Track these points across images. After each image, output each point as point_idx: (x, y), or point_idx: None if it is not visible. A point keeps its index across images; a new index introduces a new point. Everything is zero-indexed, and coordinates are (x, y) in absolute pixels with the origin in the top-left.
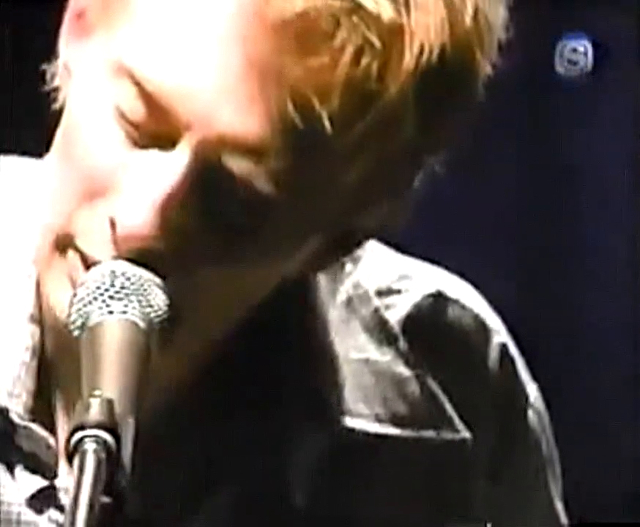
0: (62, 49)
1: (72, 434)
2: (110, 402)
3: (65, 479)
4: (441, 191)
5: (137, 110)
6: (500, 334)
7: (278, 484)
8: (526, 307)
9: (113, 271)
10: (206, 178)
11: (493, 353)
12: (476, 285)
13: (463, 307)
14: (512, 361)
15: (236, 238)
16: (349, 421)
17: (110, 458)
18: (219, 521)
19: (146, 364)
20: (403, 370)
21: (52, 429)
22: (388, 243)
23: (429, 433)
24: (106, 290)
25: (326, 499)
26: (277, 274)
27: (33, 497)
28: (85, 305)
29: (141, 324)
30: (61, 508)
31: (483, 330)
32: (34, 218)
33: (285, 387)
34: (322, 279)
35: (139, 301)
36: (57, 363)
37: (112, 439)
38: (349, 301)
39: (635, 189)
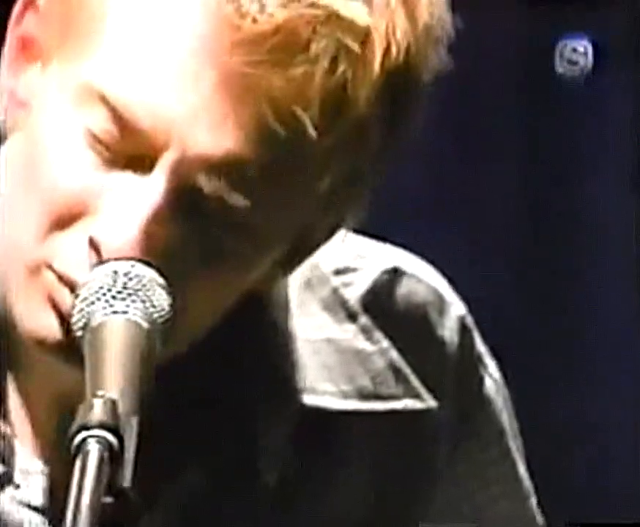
0: (5, 79)
1: (75, 434)
2: (113, 403)
3: (22, 460)
4: (437, 190)
5: (110, 132)
6: (458, 306)
7: (248, 468)
8: (525, 320)
9: (115, 271)
10: (184, 199)
11: (452, 324)
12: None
13: (420, 280)
14: (470, 332)
15: (215, 252)
16: (314, 400)
17: (113, 458)
18: (188, 506)
19: (149, 364)
20: (366, 345)
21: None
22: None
23: (395, 404)
24: (109, 290)
25: (296, 479)
26: (248, 282)
27: None
28: (88, 305)
29: (144, 324)
30: (19, 487)
31: (440, 302)
32: None
33: (247, 371)
34: None
35: (142, 301)
36: (9, 358)
37: (115, 439)
38: (308, 283)
39: (636, 189)
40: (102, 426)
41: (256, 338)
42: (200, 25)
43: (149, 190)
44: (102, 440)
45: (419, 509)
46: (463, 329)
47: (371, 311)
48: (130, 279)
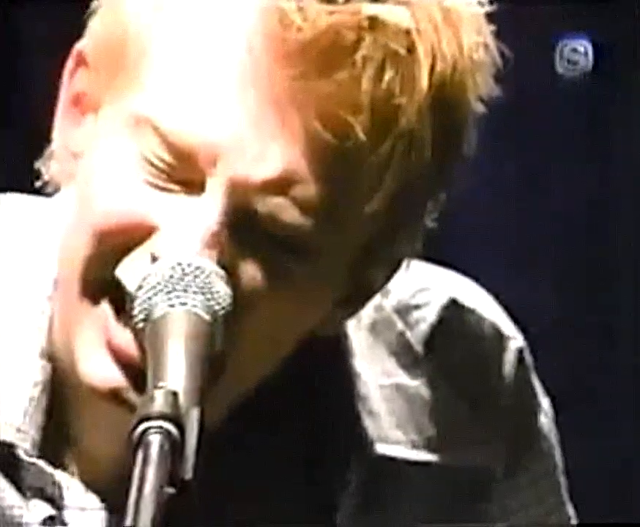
0: (60, 135)
1: (136, 425)
2: (174, 394)
3: (74, 501)
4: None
5: (162, 157)
6: (516, 339)
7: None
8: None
9: (178, 264)
10: (238, 219)
11: (510, 358)
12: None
13: (479, 316)
14: (527, 367)
15: (274, 275)
16: (386, 449)
17: (174, 449)
18: None
19: (210, 356)
20: (431, 394)
21: (59, 463)
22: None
23: (463, 457)
24: (171, 282)
25: None
26: (308, 320)
27: (44, 522)
28: (150, 297)
29: (205, 316)
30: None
31: (499, 337)
32: (48, 256)
33: (320, 422)
34: None
35: (203, 294)
36: (66, 397)
37: (176, 430)
38: (373, 326)
39: (635, 188)
40: (163, 417)
41: (328, 386)
42: (244, 44)
43: (205, 210)
44: (163, 432)
45: None
46: (521, 363)
47: (435, 354)
48: (192, 271)
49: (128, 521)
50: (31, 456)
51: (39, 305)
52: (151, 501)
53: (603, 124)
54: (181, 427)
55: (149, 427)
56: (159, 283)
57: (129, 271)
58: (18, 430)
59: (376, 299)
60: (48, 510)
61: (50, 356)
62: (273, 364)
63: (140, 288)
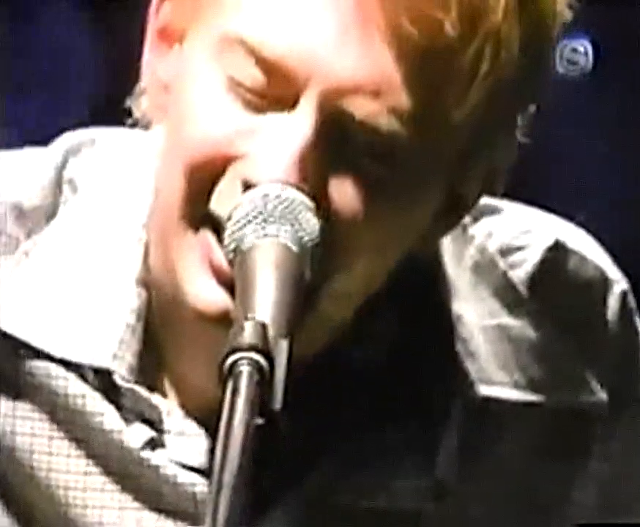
0: (149, 69)
1: (225, 357)
2: (263, 325)
3: (174, 426)
4: None
5: (252, 76)
6: (620, 282)
7: (422, 456)
8: None
9: (266, 195)
10: (333, 129)
11: (615, 303)
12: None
13: (583, 257)
14: (631, 310)
15: (372, 182)
16: (489, 390)
17: (263, 380)
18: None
19: (299, 287)
20: (535, 334)
21: (157, 390)
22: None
23: (567, 398)
24: (260, 213)
25: (468, 471)
26: (410, 234)
27: (147, 443)
28: (239, 229)
29: (294, 248)
30: (172, 449)
31: (604, 280)
32: (143, 185)
33: (422, 363)
34: (447, 247)
35: (292, 225)
36: (163, 324)
37: (265, 362)
38: (476, 266)
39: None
40: (252, 348)
41: (430, 326)
42: None
43: (297, 126)
44: (252, 363)
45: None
46: (624, 306)
47: (538, 295)
48: (281, 202)
49: (217, 452)
50: (128, 381)
51: (135, 233)
52: (240, 432)
53: (603, 124)
54: (270, 359)
55: (239, 359)
56: (248, 215)
57: (222, 202)
58: (115, 356)
59: (479, 240)
60: (148, 433)
61: (146, 283)
62: (374, 284)
63: (229, 218)
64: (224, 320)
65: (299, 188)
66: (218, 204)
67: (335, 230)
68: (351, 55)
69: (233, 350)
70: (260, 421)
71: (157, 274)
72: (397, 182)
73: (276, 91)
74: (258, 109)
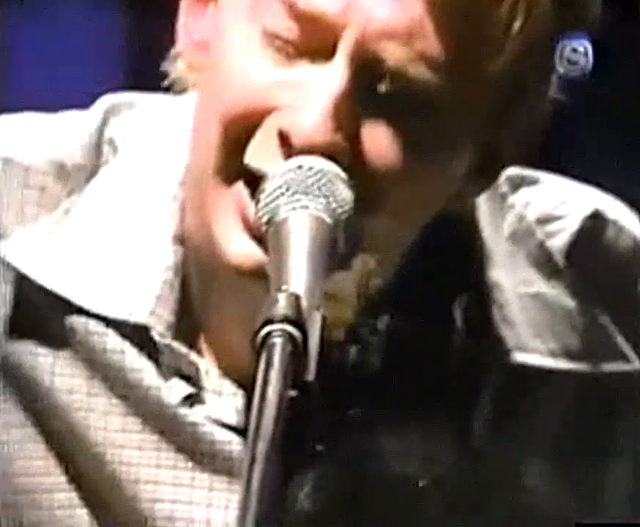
0: (184, 31)
1: (259, 328)
2: (297, 297)
3: (211, 385)
4: None
5: (288, 27)
6: None
7: (457, 423)
8: None
9: (299, 166)
10: (368, 78)
11: None
12: None
13: (621, 228)
14: None
15: (405, 133)
16: (524, 357)
17: (296, 352)
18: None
19: (332, 259)
20: (571, 302)
21: (193, 347)
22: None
23: (603, 366)
24: (293, 185)
25: (502, 438)
26: (445, 189)
27: (185, 399)
28: (273, 200)
29: (327, 219)
30: (209, 406)
31: None
32: (179, 145)
33: (458, 329)
34: (486, 215)
35: (325, 197)
36: (199, 282)
37: (299, 333)
38: (514, 235)
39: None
40: (286, 320)
41: (466, 292)
42: None
43: (331, 76)
44: (285, 334)
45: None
46: None
47: (575, 264)
48: (315, 174)
49: (251, 422)
50: (165, 338)
51: (171, 191)
52: (274, 404)
53: (603, 124)
54: (303, 330)
55: (272, 330)
56: (281, 186)
57: (257, 155)
58: (152, 313)
59: (518, 209)
60: (186, 389)
61: (182, 241)
62: (408, 239)
63: (262, 191)
64: (258, 275)
65: (333, 159)
66: (253, 157)
67: (369, 181)
68: (383, 4)
69: (267, 322)
70: (293, 393)
71: (193, 232)
72: (432, 135)
73: (311, 42)
74: (294, 61)
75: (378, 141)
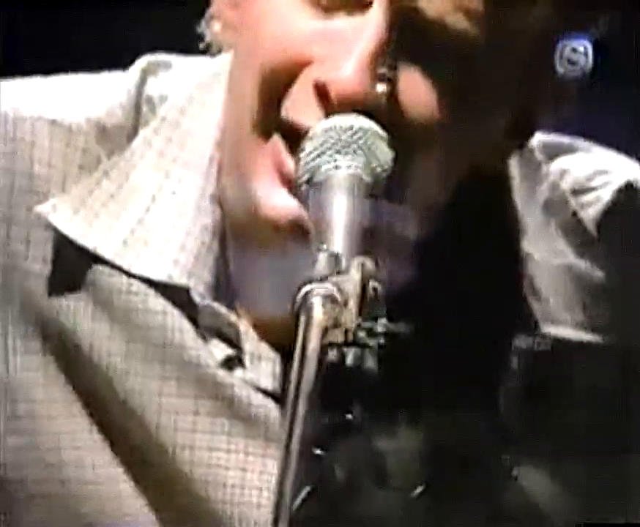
0: None
1: (299, 288)
2: (337, 257)
3: (250, 348)
4: None
5: None
6: None
7: (485, 397)
8: None
9: (339, 126)
10: (405, 29)
11: None
12: None
13: None
14: None
15: (442, 84)
16: (553, 329)
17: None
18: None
19: (371, 218)
20: (602, 275)
21: (231, 306)
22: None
23: (633, 340)
24: (333, 144)
25: (532, 411)
26: (480, 139)
27: (224, 362)
28: (312, 160)
29: (367, 178)
30: (248, 369)
31: None
32: (214, 105)
33: (487, 299)
34: (519, 183)
35: (365, 156)
36: (236, 242)
37: (338, 293)
38: (547, 205)
39: None
40: (325, 280)
41: (497, 261)
42: None
43: (369, 27)
44: (325, 294)
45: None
46: None
47: (607, 236)
48: (354, 133)
49: (291, 383)
50: (204, 299)
51: (208, 151)
52: (313, 363)
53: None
54: (342, 290)
55: (312, 290)
56: (321, 146)
57: (295, 108)
58: (191, 274)
59: (552, 178)
60: (226, 351)
61: (220, 201)
62: (442, 194)
63: (302, 150)
64: (295, 230)
65: (371, 117)
66: (290, 110)
67: (407, 133)
68: None
69: (306, 282)
70: (333, 354)
71: (230, 190)
72: (469, 86)
73: None
74: (330, 13)
75: (416, 92)
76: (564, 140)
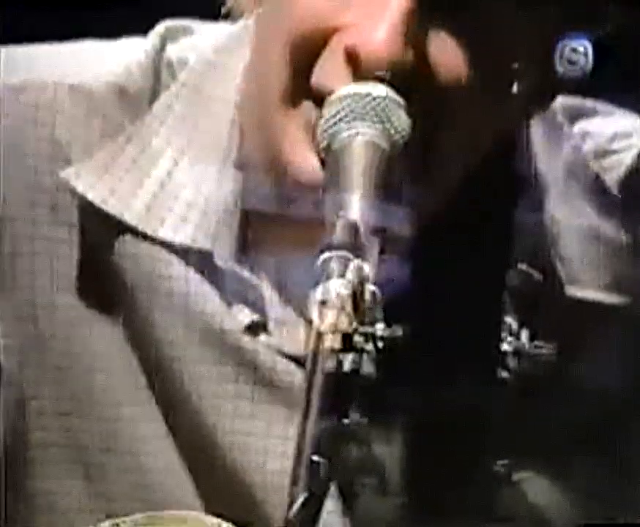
0: None
1: (317, 255)
2: (354, 224)
3: (275, 313)
4: None
5: None
6: None
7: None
8: None
9: (358, 92)
10: None
11: None
12: None
13: None
14: None
15: (472, 45)
16: (577, 291)
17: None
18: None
19: (389, 185)
20: (625, 237)
21: (255, 272)
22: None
23: None
24: (351, 111)
25: (553, 369)
26: (507, 102)
27: (248, 327)
28: (330, 126)
29: (385, 145)
30: (272, 335)
31: None
32: (238, 71)
33: (509, 262)
34: (542, 146)
35: (383, 123)
36: (261, 205)
37: (356, 260)
38: (570, 167)
39: None
40: (343, 247)
41: (518, 224)
42: None
43: None
44: (343, 261)
45: None
46: None
47: (630, 198)
48: (373, 99)
49: (310, 349)
50: (228, 263)
51: (229, 116)
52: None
53: None
54: (361, 256)
55: (329, 257)
56: (339, 113)
57: (324, 75)
58: (215, 239)
59: (575, 141)
60: (250, 316)
61: (242, 165)
62: (471, 160)
63: (321, 117)
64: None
65: (391, 84)
66: (320, 77)
67: (437, 96)
68: None
69: (324, 249)
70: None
71: (253, 155)
72: (498, 49)
73: None
74: None
75: (446, 55)
76: (586, 102)
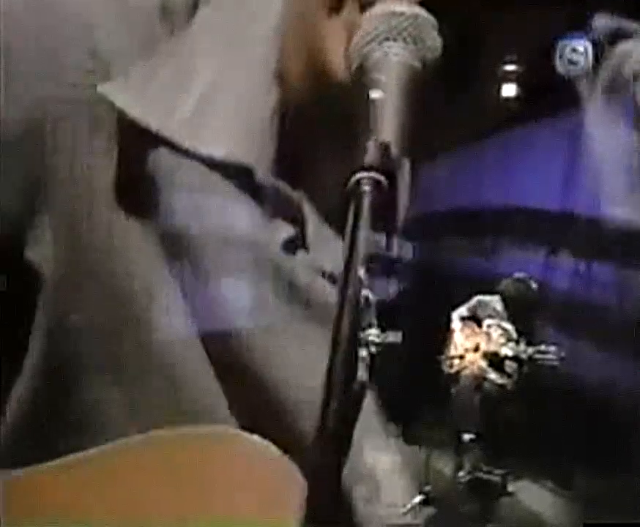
0: None
1: (349, 176)
2: (386, 145)
3: (312, 229)
4: None
5: None
6: None
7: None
8: None
9: (391, 12)
10: None
11: None
12: None
13: None
14: None
15: None
16: (612, 211)
17: (385, 199)
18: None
19: (422, 105)
20: None
21: (296, 186)
22: None
23: None
24: (384, 31)
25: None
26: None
27: (286, 243)
28: (363, 46)
29: (417, 65)
30: (310, 252)
31: None
32: None
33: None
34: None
35: (415, 43)
36: (301, 121)
37: (387, 181)
38: (609, 87)
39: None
40: (375, 168)
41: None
42: None
43: None
44: (374, 183)
45: None
46: None
47: None
48: (405, 19)
49: (342, 270)
50: (268, 178)
51: (270, 30)
52: (364, 247)
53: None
54: (393, 178)
55: (362, 178)
56: (371, 32)
57: None
58: (254, 153)
59: (614, 62)
60: (290, 231)
61: (283, 77)
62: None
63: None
64: None
65: (423, 4)
66: None
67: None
68: None
69: (356, 170)
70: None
71: (294, 68)
72: None
73: None
74: None
75: None
76: (628, 24)
